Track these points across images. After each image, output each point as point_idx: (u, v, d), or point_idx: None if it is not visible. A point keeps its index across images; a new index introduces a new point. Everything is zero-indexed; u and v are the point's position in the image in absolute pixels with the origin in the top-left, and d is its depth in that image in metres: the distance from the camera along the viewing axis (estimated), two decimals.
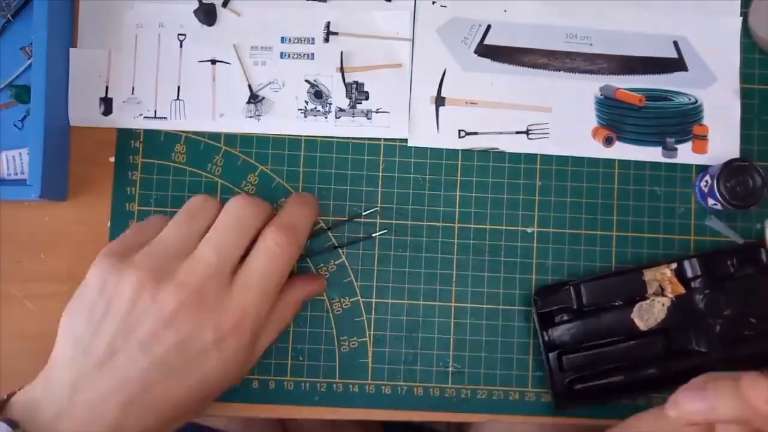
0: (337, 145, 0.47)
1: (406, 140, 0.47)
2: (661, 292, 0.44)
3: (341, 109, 0.47)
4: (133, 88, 0.47)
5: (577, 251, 0.46)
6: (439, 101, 0.47)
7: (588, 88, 0.47)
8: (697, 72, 0.47)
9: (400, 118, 0.47)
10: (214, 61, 0.47)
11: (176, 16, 0.47)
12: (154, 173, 0.46)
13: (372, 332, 0.46)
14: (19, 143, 0.46)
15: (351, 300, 0.46)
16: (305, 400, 0.45)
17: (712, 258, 0.44)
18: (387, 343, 0.45)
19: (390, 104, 0.47)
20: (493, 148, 0.47)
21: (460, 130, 0.47)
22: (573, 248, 0.46)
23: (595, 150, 0.47)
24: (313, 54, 0.47)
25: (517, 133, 0.47)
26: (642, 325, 0.44)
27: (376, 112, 0.47)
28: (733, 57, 0.47)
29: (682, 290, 0.44)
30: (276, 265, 0.38)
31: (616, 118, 0.47)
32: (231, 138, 0.47)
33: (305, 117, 0.47)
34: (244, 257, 0.38)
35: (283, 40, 0.47)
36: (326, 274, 0.46)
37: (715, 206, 0.45)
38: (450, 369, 0.45)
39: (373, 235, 0.46)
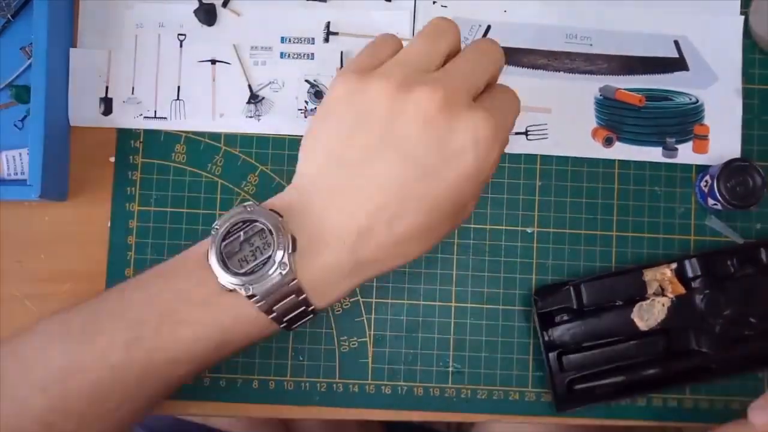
0: None
1: None
2: (661, 292, 0.44)
3: None
4: (133, 88, 0.47)
5: (577, 251, 0.46)
6: None
7: (588, 88, 0.47)
8: (697, 72, 0.47)
9: None
10: (214, 61, 0.47)
11: (176, 16, 0.47)
12: (154, 173, 0.46)
13: (372, 332, 0.46)
14: (19, 143, 0.46)
15: (351, 300, 0.46)
16: (305, 400, 0.45)
17: (712, 258, 0.44)
18: (387, 343, 0.46)
19: None
20: None
21: None
22: (573, 248, 0.46)
23: (595, 150, 0.47)
24: (313, 54, 0.47)
25: (517, 133, 0.47)
26: (642, 325, 0.44)
27: None
28: (734, 57, 0.47)
29: (682, 290, 0.44)
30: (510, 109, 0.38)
31: (616, 118, 0.47)
32: (231, 138, 0.47)
33: (305, 117, 0.47)
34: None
35: (283, 40, 0.47)
36: None
37: (715, 206, 0.45)
38: (450, 369, 0.45)
39: None
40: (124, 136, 0.47)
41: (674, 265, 0.44)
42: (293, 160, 0.46)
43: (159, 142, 0.47)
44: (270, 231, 0.33)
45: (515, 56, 0.47)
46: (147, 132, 0.47)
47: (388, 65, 0.35)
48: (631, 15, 0.47)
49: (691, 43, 0.47)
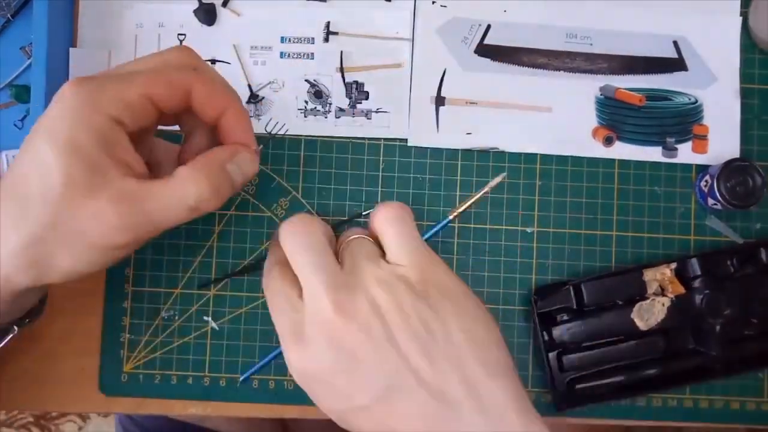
0: (337, 145, 0.47)
1: (406, 140, 0.47)
2: (661, 292, 0.44)
3: (341, 109, 0.47)
4: None
5: (577, 251, 0.46)
6: (439, 101, 0.47)
7: (588, 88, 0.47)
8: (697, 72, 0.47)
9: (400, 117, 0.47)
10: (214, 61, 0.47)
11: (176, 16, 0.47)
12: None
13: None
14: (19, 143, 0.45)
15: None
16: (305, 400, 0.45)
17: (712, 258, 0.44)
18: None
19: (390, 104, 0.47)
20: (493, 148, 0.47)
21: (460, 130, 0.47)
22: (573, 248, 0.46)
23: (595, 150, 0.47)
24: (313, 54, 0.47)
25: (517, 133, 0.47)
26: (642, 325, 0.44)
27: (376, 112, 0.47)
28: (733, 57, 0.47)
29: (682, 290, 0.44)
30: None
31: (616, 118, 0.47)
32: None
33: (305, 117, 0.47)
34: None
35: (283, 40, 0.47)
36: None
37: (715, 206, 0.45)
38: None
39: None
40: None
41: (674, 265, 0.44)
42: (293, 160, 0.47)
43: None
44: None
45: (515, 56, 0.47)
46: None
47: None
48: (631, 15, 0.47)
49: (690, 44, 0.47)
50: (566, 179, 0.47)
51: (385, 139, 0.47)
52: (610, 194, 0.47)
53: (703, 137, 0.47)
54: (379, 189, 0.46)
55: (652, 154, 0.47)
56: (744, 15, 0.47)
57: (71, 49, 0.46)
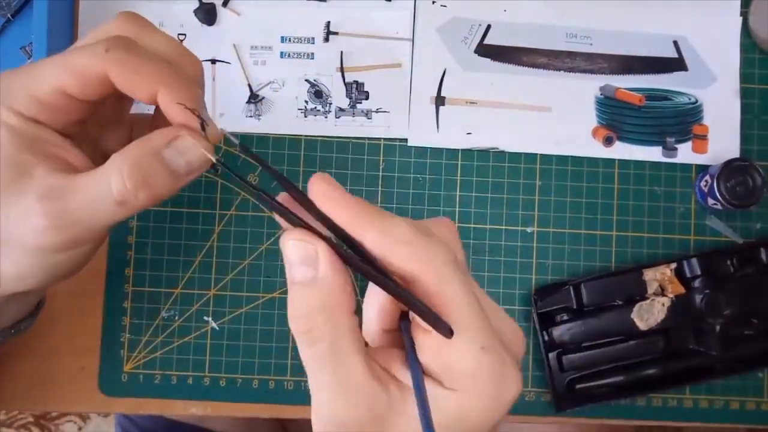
0: (337, 144, 0.47)
1: (406, 140, 0.47)
2: (661, 292, 0.44)
3: (341, 109, 0.47)
4: None
5: (577, 251, 0.46)
6: (439, 101, 0.47)
7: (588, 87, 0.47)
8: (697, 72, 0.47)
9: (400, 117, 0.47)
10: (214, 61, 0.47)
11: (176, 15, 0.47)
12: None
13: None
14: None
15: None
16: (305, 400, 0.45)
17: (712, 258, 0.44)
18: None
19: (390, 104, 0.47)
20: (493, 148, 0.47)
21: (460, 130, 0.47)
22: (573, 248, 0.46)
23: (595, 150, 0.47)
24: (313, 54, 0.47)
25: (517, 133, 0.47)
26: (642, 325, 0.44)
27: (376, 112, 0.47)
28: (733, 57, 0.47)
29: (682, 290, 0.44)
30: None
31: (616, 117, 0.47)
32: None
33: (305, 117, 0.47)
34: None
35: (283, 39, 0.47)
36: None
37: (715, 206, 0.45)
38: None
39: None
40: None
41: (674, 265, 0.44)
42: (293, 159, 0.47)
43: None
44: None
45: (515, 56, 0.47)
46: None
47: None
48: (631, 15, 0.47)
49: (690, 44, 0.47)
50: (566, 179, 0.47)
51: (385, 139, 0.47)
52: (610, 194, 0.47)
53: (703, 137, 0.47)
54: (379, 189, 0.46)
55: (652, 154, 0.47)
56: (744, 15, 0.47)
57: None
